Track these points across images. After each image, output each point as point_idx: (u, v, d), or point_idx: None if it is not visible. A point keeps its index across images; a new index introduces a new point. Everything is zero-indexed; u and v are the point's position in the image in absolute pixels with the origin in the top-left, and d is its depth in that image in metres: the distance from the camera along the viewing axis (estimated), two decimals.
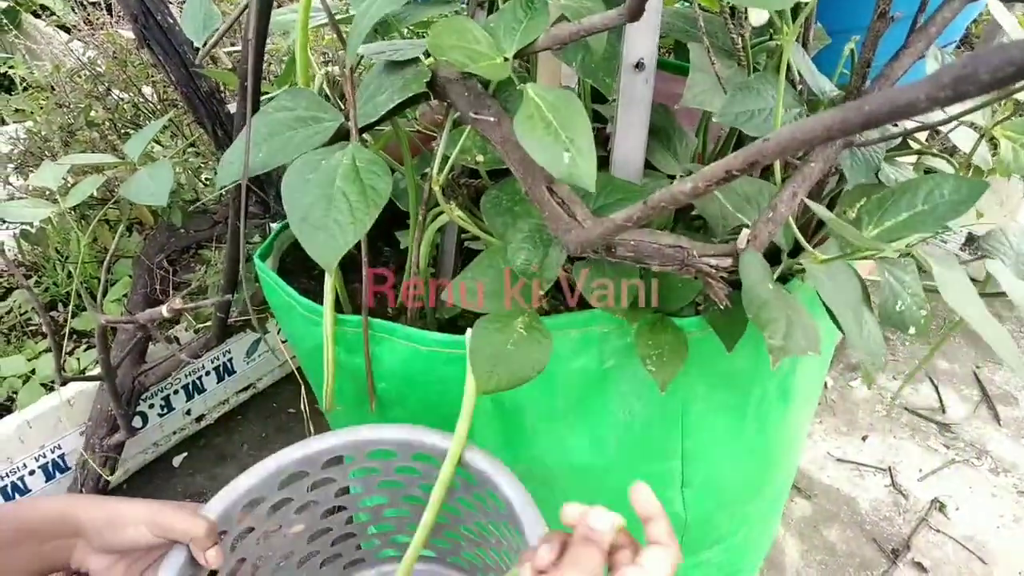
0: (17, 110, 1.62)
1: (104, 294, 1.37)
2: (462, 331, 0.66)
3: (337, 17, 0.70)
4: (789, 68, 0.65)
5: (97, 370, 1.10)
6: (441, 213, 0.73)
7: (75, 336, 1.40)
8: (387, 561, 0.85)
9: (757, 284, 0.52)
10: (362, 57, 0.66)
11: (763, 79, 0.65)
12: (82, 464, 1.25)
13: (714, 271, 0.56)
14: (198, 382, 1.46)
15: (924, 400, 1.66)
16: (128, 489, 1.43)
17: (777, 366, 0.50)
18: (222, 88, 1.04)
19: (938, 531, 1.35)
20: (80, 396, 1.24)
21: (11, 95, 1.77)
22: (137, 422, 1.36)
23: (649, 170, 0.73)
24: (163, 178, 0.80)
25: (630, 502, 0.48)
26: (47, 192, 1.07)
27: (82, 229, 1.29)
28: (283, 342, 1.53)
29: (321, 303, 0.71)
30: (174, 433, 1.47)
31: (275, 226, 0.90)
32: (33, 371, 1.30)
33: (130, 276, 1.42)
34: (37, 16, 2.44)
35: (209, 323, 1.30)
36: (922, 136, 0.82)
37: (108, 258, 1.02)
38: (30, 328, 1.42)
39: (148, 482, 1.45)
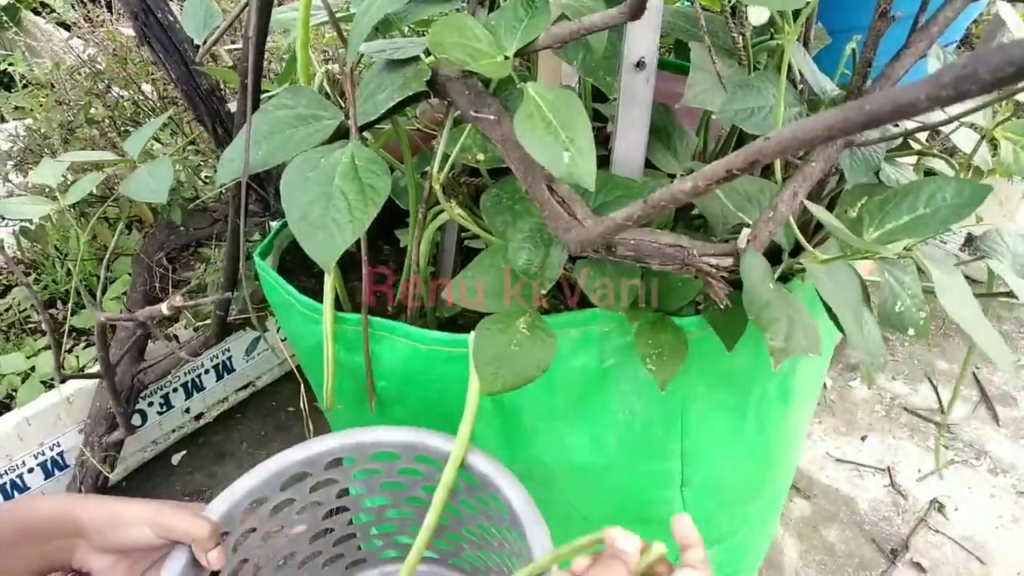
0: (17, 107, 1.62)
1: (103, 292, 1.37)
2: (462, 330, 0.66)
3: (338, 15, 0.70)
4: (790, 67, 0.65)
5: (96, 368, 1.10)
6: (441, 212, 0.73)
7: (74, 334, 1.40)
8: (389, 562, 0.85)
9: (758, 285, 0.52)
10: (362, 55, 0.65)
11: (764, 77, 0.65)
12: (81, 462, 1.24)
13: (714, 270, 0.56)
14: (197, 380, 1.46)
15: (923, 400, 1.66)
16: (127, 487, 1.42)
17: (779, 367, 0.50)
18: (222, 86, 1.04)
19: (937, 531, 1.35)
20: (79, 394, 1.24)
21: (11, 92, 1.77)
22: (136, 420, 1.36)
23: (649, 169, 0.73)
24: (163, 176, 0.80)
25: (672, 530, 0.52)
26: (47, 189, 1.07)
27: (81, 226, 1.29)
28: (282, 340, 1.53)
29: (321, 301, 0.71)
30: (173, 431, 1.47)
31: (275, 224, 0.90)
32: (32, 368, 1.30)
33: (129, 274, 1.42)
34: (37, 13, 2.44)
35: (208, 321, 1.30)
36: (922, 136, 0.82)
37: (108, 256, 1.02)
38: (29, 325, 1.42)
39: (147, 480, 1.45)
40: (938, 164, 0.81)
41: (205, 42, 0.83)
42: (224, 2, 1.58)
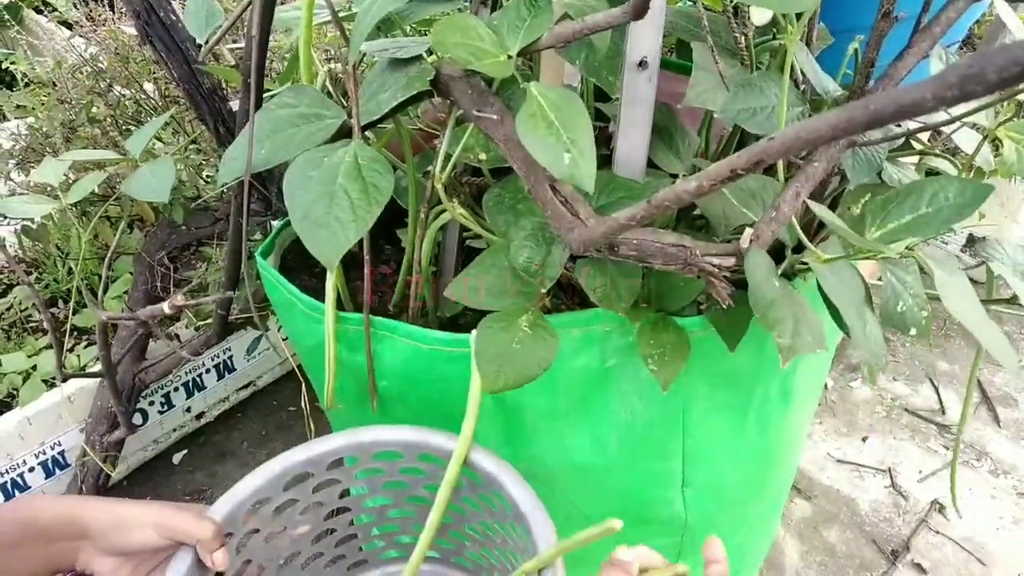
0: (19, 106, 1.62)
1: (105, 291, 1.37)
2: (464, 330, 0.66)
3: (340, 14, 0.70)
4: (792, 67, 0.65)
5: (98, 367, 1.10)
6: (443, 211, 0.73)
7: (76, 333, 1.40)
8: (391, 562, 0.85)
9: (763, 283, 0.52)
10: (364, 54, 0.66)
11: (766, 77, 0.65)
12: (82, 461, 1.24)
13: (717, 270, 0.56)
14: (198, 379, 1.46)
15: (924, 401, 1.66)
16: (128, 486, 1.43)
17: (787, 365, 0.50)
18: (224, 85, 1.04)
19: (938, 532, 1.35)
20: (80, 393, 1.24)
21: (13, 91, 1.77)
22: (137, 419, 1.36)
23: (651, 169, 0.73)
24: (164, 175, 0.80)
25: (703, 548, 0.55)
26: (48, 188, 1.07)
27: (83, 225, 1.29)
28: (283, 340, 1.53)
29: (322, 301, 0.71)
30: (174, 430, 1.47)
31: (276, 223, 0.90)
32: (34, 367, 1.30)
33: (131, 273, 1.42)
34: (39, 12, 2.44)
35: (210, 320, 1.30)
36: (923, 136, 0.82)
37: (109, 255, 1.02)
38: (31, 324, 1.42)
39: (148, 479, 1.45)
40: (940, 164, 0.81)
41: (207, 41, 0.83)
42: (226, 1, 1.58)
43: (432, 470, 0.71)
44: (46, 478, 1.26)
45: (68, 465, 1.28)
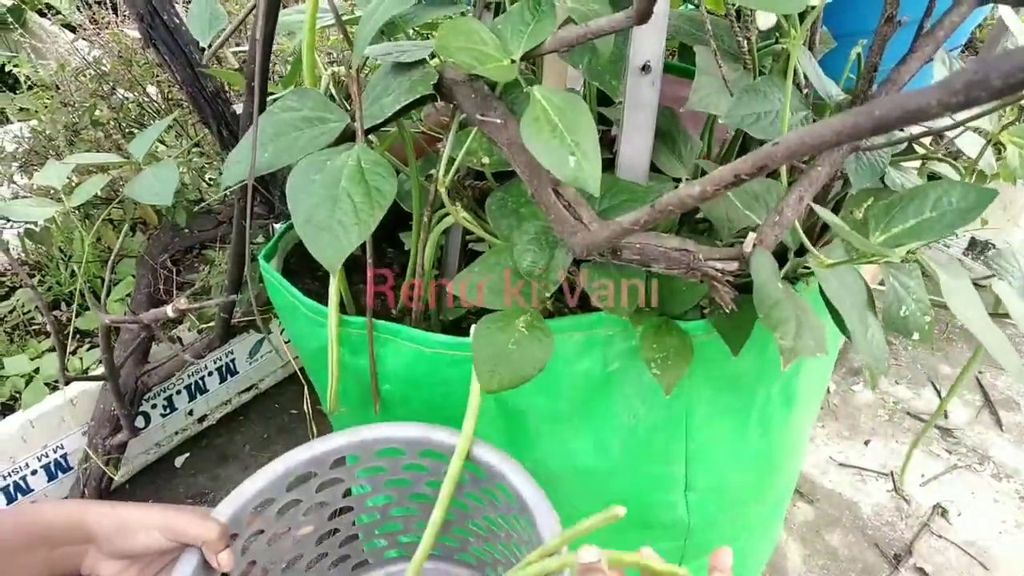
0: (22, 109, 1.62)
1: (107, 294, 1.37)
2: (466, 333, 0.66)
3: (343, 18, 0.70)
4: (795, 71, 0.65)
5: (100, 370, 1.10)
6: (446, 215, 0.73)
7: (78, 335, 1.40)
8: (393, 561, 0.85)
9: (768, 283, 0.52)
10: (367, 58, 0.66)
11: (769, 82, 0.65)
12: (84, 464, 1.25)
13: (720, 274, 0.56)
14: (200, 382, 1.46)
15: (926, 405, 1.66)
16: (130, 489, 1.43)
17: (789, 367, 0.50)
18: (227, 88, 1.04)
19: (940, 536, 1.35)
20: (83, 396, 1.24)
21: (16, 94, 1.77)
22: (140, 422, 1.36)
23: (654, 173, 0.73)
24: (168, 178, 0.80)
25: (712, 556, 0.53)
26: (51, 191, 1.07)
27: (86, 228, 1.30)
28: (286, 342, 1.53)
29: (325, 304, 0.71)
30: (176, 433, 1.47)
31: (279, 226, 0.90)
32: (36, 370, 1.30)
33: (133, 276, 1.42)
34: (43, 15, 2.44)
35: (212, 323, 1.30)
36: (926, 140, 0.82)
37: (112, 258, 1.02)
38: (33, 327, 1.42)
39: (150, 482, 1.45)
40: (942, 168, 0.81)
41: (211, 44, 0.84)
42: (229, 4, 1.59)
43: (435, 466, 0.71)
44: (48, 481, 1.26)
45: (70, 468, 1.28)
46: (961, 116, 0.65)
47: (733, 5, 0.70)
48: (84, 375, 1.14)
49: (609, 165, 0.68)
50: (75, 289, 1.43)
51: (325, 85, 0.74)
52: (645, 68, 0.64)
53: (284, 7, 0.74)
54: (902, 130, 0.72)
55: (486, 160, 0.75)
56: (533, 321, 0.64)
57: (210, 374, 1.47)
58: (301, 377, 0.92)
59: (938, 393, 1.68)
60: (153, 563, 0.62)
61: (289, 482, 0.68)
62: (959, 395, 1.67)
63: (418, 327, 0.71)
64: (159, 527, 0.58)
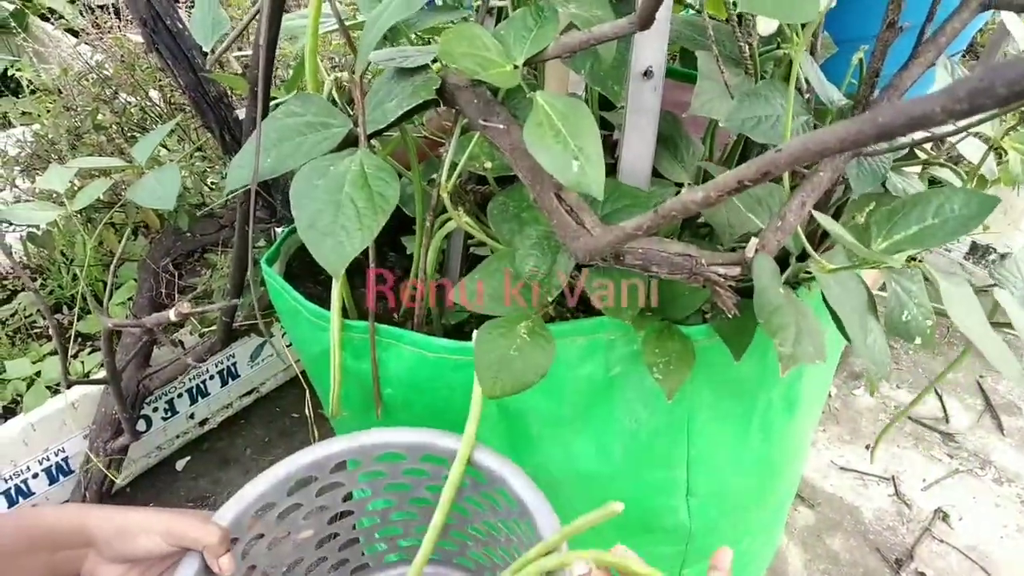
0: (24, 113, 1.62)
1: (109, 297, 1.37)
2: (468, 337, 0.66)
3: (346, 23, 0.70)
4: (797, 76, 0.65)
5: (102, 373, 1.11)
6: (448, 219, 0.73)
7: (80, 339, 1.40)
8: (393, 565, 0.85)
9: (769, 288, 0.52)
10: (369, 63, 0.66)
11: (771, 86, 0.65)
12: (86, 468, 1.25)
13: (722, 280, 0.56)
14: (202, 386, 1.46)
15: (928, 410, 1.66)
16: (131, 493, 1.43)
17: (787, 373, 0.50)
18: (229, 92, 1.04)
19: (941, 541, 1.35)
20: (84, 399, 1.24)
21: (18, 98, 1.77)
22: (141, 426, 1.36)
23: (656, 177, 0.73)
24: (170, 182, 0.80)
25: (713, 555, 0.55)
26: (54, 195, 1.07)
27: (88, 232, 1.30)
28: (287, 346, 1.53)
29: (327, 308, 0.71)
30: (177, 437, 1.47)
31: (281, 230, 0.90)
32: (38, 374, 1.30)
33: (135, 279, 1.42)
34: (45, 19, 2.45)
35: (214, 327, 1.30)
36: (926, 145, 0.82)
37: (114, 261, 1.02)
38: (35, 331, 1.42)
39: (151, 486, 1.45)
40: (943, 173, 0.81)
41: (214, 49, 0.84)
42: (231, 9, 1.59)
43: (435, 471, 0.71)
44: (50, 484, 1.26)
45: (72, 472, 1.28)
46: (963, 122, 0.65)
47: (734, 5, 0.70)
48: (86, 379, 1.15)
49: (611, 170, 0.69)
50: (77, 293, 1.43)
51: (328, 90, 0.74)
52: (647, 73, 0.64)
53: (287, 12, 0.74)
54: (904, 136, 0.72)
55: (488, 165, 0.75)
56: (535, 327, 0.64)
57: (211, 378, 1.47)
58: (302, 381, 0.92)
59: (939, 397, 1.68)
60: (153, 567, 0.62)
61: (290, 486, 0.68)
62: (961, 400, 1.67)
63: (420, 331, 0.71)
64: (160, 531, 0.58)
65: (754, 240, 0.56)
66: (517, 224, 0.69)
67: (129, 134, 1.43)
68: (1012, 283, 0.63)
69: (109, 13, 1.73)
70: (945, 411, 1.64)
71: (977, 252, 1.92)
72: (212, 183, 1.41)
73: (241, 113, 0.99)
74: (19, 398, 1.26)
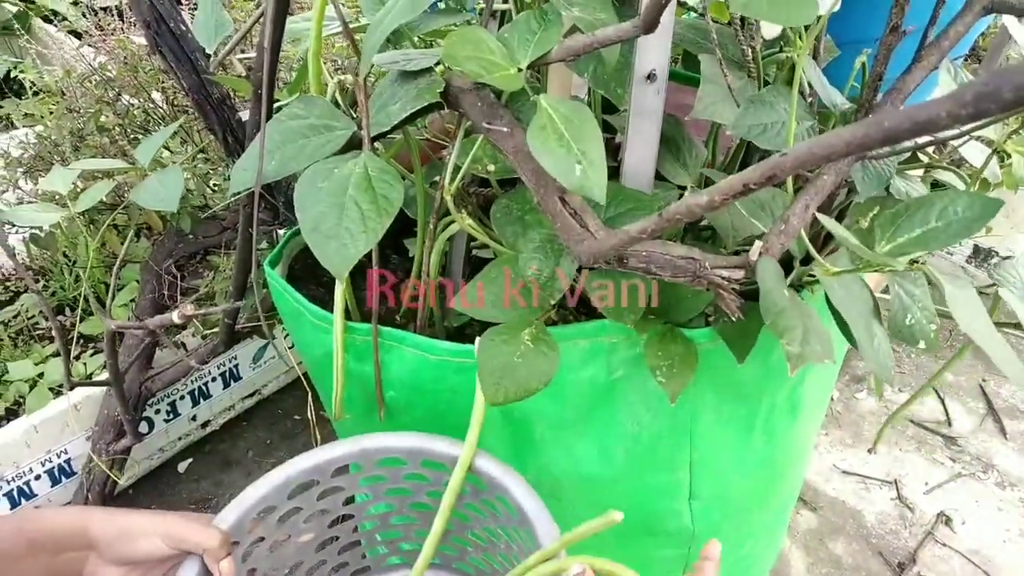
0: (27, 114, 1.63)
1: (112, 299, 1.37)
2: (471, 340, 0.66)
3: (350, 26, 0.70)
4: (800, 80, 0.65)
5: (104, 375, 1.11)
6: (451, 222, 0.73)
7: (82, 341, 1.40)
8: (393, 569, 0.85)
9: (774, 290, 0.52)
10: (373, 65, 0.66)
11: (775, 92, 0.65)
12: (88, 469, 1.25)
13: (726, 283, 0.56)
14: (204, 388, 1.46)
15: (930, 413, 1.65)
16: (134, 494, 1.43)
17: (795, 373, 0.50)
18: (233, 95, 1.05)
19: (944, 545, 1.35)
20: (87, 401, 1.25)
21: (21, 99, 1.78)
22: (143, 427, 1.36)
23: (659, 181, 0.73)
24: (173, 184, 0.80)
25: (705, 546, 0.57)
26: (57, 197, 1.07)
27: (91, 234, 1.30)
28: (289, 348, 1.53)
29: (330, 310, 0.71)
30: (180, 439, 1.47)
31: (284, 233, 0.90)
32: (40, 375, 1.30)
33: (138, 281, 1.42)
34: (48, 21, 2.45)
35: (216, 329, 1.30)
36: (929, 148, 0.82)
37: (117, 263, 1.02)
38: (37, 332, 1.42)
39: (153, 488, 1.45)
40: (946, 176, 0.81)
41: (217, 52, 0.84)
42: (234, 11, 1.59)
43: (435, 476, 0.71)
44: (52, 486, 1.26)
45: (74, 473, 1.28)
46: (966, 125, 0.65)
47: (738, 14, 0.70)
48: (88, 380, 1.15)
49: (614, 173, 0.68)
50: (79, 294, 1.43)
51: (331, 93, 0.74)
52: (650, 76, 0.64)
53: (290, 14, 0.74)
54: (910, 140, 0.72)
55: (491, 167, 0.75)
56: (538, 334, 0.64)
57: (214, 379, 1.47)
58: (304, 383, 0.92)
59: (941, 400, 1.67)
60: (154, 569, 0.62)
61: (291, 490, 0.68)
62: (963, 404, 1.67)
63: (423, 334, 0.71)
64: (161, 534, 0.58)
65: (758, 243, 0.56)
66: (520, 227, 0.69)
67: (132, 136, 1.43)
68: (1012, 284, 0.63)
69: (112, 15, 1.73)
70: (947, 415, 1.64)
71: (980, 255, 1.92)
72: (215, 185, 1.42)
73: (244, 115, 0.99)
74: (21, 399, 1.27)
